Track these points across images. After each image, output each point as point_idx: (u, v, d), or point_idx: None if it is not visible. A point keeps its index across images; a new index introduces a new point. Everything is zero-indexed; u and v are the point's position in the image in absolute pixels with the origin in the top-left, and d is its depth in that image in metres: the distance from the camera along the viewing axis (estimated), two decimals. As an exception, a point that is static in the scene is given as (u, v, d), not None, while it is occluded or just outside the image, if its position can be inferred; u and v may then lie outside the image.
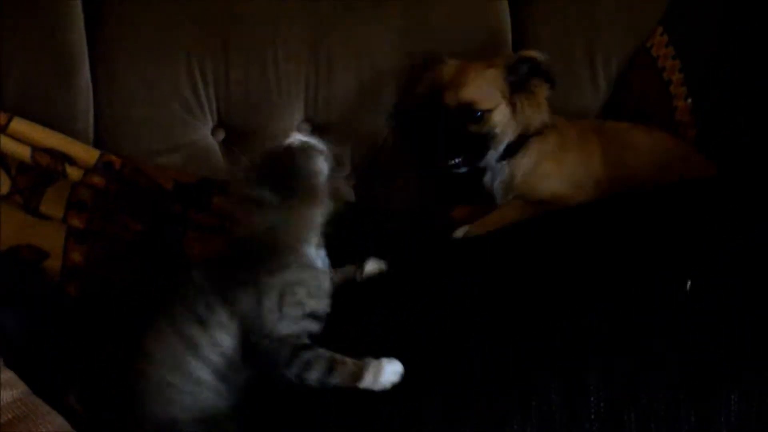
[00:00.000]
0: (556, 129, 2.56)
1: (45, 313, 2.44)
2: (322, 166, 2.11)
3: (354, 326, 2.14)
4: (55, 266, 2.56)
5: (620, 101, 2.79)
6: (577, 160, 2.53)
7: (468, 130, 2.49)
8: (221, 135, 2.73)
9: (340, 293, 2.19)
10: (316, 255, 2.13)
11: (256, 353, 2.00)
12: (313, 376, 1.95)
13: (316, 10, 2.70)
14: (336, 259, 2.22)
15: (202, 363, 2.00)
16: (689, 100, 2.67)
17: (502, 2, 2.76)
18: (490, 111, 2.49)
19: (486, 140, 2.51)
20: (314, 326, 2.05)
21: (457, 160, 2.51)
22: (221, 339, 2.00)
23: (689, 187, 2.31)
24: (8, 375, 2.04)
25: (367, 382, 1.93)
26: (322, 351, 1.98)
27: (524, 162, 2.54)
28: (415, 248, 2.48)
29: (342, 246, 2.34)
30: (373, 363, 1.94)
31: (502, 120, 2.51)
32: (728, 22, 2.67)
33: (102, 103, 2.65)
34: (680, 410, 1.79)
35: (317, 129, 2.73)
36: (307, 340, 2.01)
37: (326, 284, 2.11)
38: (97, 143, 2.64)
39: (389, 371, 1.94)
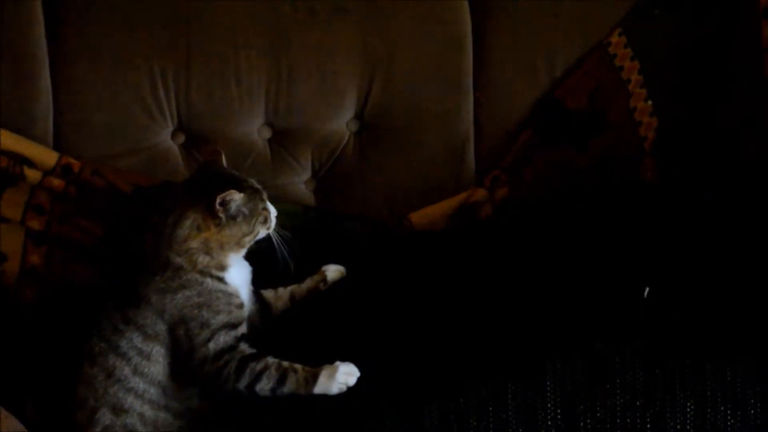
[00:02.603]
0: None
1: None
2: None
3: (311, 334, 2.14)
4: (13, 269, 2.54)
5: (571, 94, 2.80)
6: None
7: None
8: (182, 139, 2.72)
9: (303, 303, 2.20)
10: (229, 277, 2.10)
11: (199, 379, 2.01)
12: (265, 385, 1.95)
13: (278, 16, 2.69)
14: (295, 265, 2.22)
15: (132, 396, 2.01)
16: (650, 102, 2.68)
17: (463, 10, 2.76)
18: None
19: None
20: (240, 330, 2.05)
21: None
22: (144, 367, 2.01)
23: (648, 191, 2.33)
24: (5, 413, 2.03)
25: (321, 386, 1.94)
26: (271, 360, 1.97)
27: None
28: (372, 253, 2.48)
29: (301, 251, 2.35)
30: (326, 367, 1.95)
31: None
32: (688, 29, 2.70)
33: (62, 106, 2.63)
34: (636, 417, 1.80)
35: (278, 133, 2.73)
36: (249, 349, 2.01)
37: (232, 299, 2.08)
38: (56, 146, 2.62)
39: (343, 373, 1.94)
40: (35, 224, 2.55)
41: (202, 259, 2.04)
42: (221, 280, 2.07)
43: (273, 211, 2.13)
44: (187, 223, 2.03)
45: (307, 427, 1.92)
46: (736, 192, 2.25)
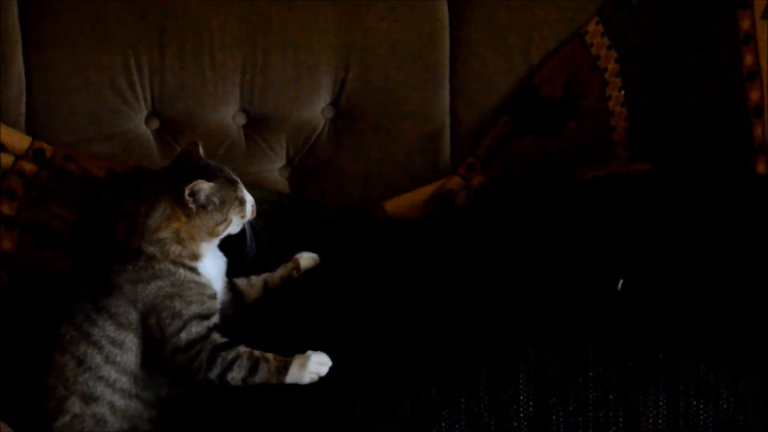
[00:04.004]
0: None
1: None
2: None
3: (284, 323, 2.13)
4: (-16, 254, 2.53)
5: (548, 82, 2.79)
6: None
7: None
8: (155, 124, 2.70)
9: (277, 292, 2.19)
10: (206, 267, 2.11)
11: (171, 366, 2.00)
12: (237, 375, 1.95)
13: (254, 2, 2.68)
14: (269, 253, 2.21)
15: (103, 385, 2.00)
16: (622, 92, 2.69)
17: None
18: None
19: None
20: (213, 320, 2.04)
21: None
22: (116, 356, 2.00)
23: (622, 182, 2.33)
24: None
25: (293, 375, 1.93)
26: (242, 349, 1.97)
27: None
28: (347, 241, 2.48)
29: (275, 239, 2.34)
30: (298, 356, 1.95)
31: None
32: (666, 19, 2.70)
33: (35, 91, 2.61)
34: (609, 410, 1.80)
35: (253, 120, 2.72)
36: (221, 339, 2.01)
37: (204, 289, 2.08)
38: (29, 131, 2.60)
39: (315, 362, 1.94)
40: (6, 209, 2.54)
41: (174, 249, 2.05)
42: (194, 270, 2.07)
43: (250, 200, 2.12)
44: (158, 213, 2.03)
45: (278, 417, 1.91)
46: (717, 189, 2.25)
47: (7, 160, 2.54)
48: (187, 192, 2.01)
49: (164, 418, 2.05)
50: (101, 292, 2.03)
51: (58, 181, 2.56)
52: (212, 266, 2.11)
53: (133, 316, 2.00)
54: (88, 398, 2.00)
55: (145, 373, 2.02)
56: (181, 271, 2.05)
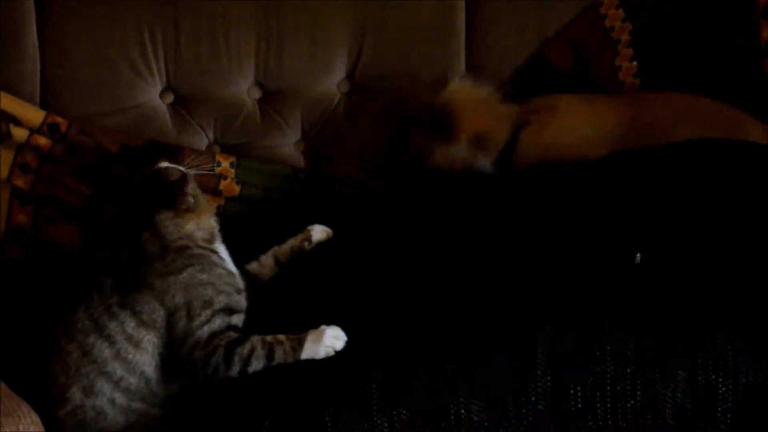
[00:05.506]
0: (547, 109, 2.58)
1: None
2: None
3: (297, 299, 2.13)
4: (-1, 228, 2.53)
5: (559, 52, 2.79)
6: (586, 130, 2.55)
7: None
8: (170, 98, 2.69)
9: (289, 266, 2.19)
10: (223, 252, 2.13)
11: (187, 367, 1.98)
12: (256, 366, 1.94)
13: (269, -24, 2.68)
14: (283, 227, 2.21)
15: (104, 380, 1.98)
16: (635, 63, 2.68)
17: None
18: None
19: None
20: (235, 319, 2.03)
21: None
22: (129, 354, 1.98)
23: (637, 156, 2.32)
24: None
25: (308, 351, 1.93)
26: (255, 339, 1.95)
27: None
28: (361, 215, 2.47)
29: (289, 211, 2.34)
30: (311, 331, 1.94)
31: None
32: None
33: (49, 65, 2.60)
34: (627, 385, 1.80)
35: (268, 94, 2.71)
36: (235, 334, 1.99)
37: (234, 280, 2.09)
38: (43, 105, 2.59)
39: (330, 336, 1.94)
40: (21, 183, 2.54)
41: (199, 234, 2.09)
42: (216, 252, 2.10)
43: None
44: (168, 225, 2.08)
45: (294, 393, 1.90)
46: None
47: (21, 134, 2.54)
48: (189, 196, 2.07)
49: (170, 414, 2.03)
50: (129, 289, 2.01)
51: (72, 155, 2.56)
52: (224, 251, 2.14)
53: (158, 314, 1.98)
54: (88, 391, 1.97)
55: (158, 376, 2.00)
56: (209, 254, 2.07)
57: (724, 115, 2.51)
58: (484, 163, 2.52)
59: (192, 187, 2.09)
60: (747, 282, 1.90)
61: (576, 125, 2.53)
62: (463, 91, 2.58)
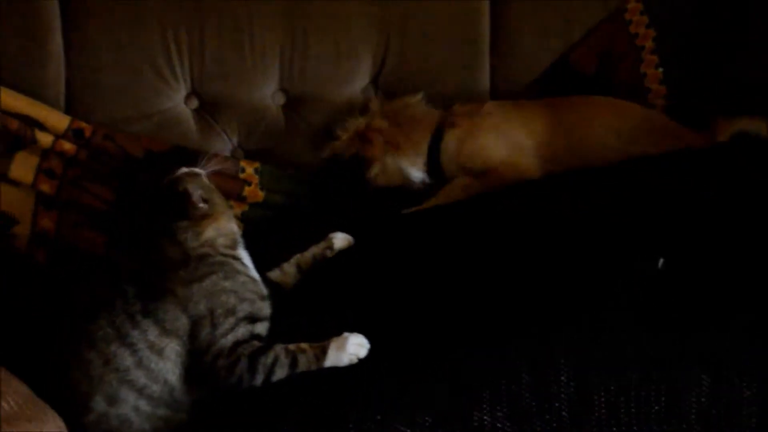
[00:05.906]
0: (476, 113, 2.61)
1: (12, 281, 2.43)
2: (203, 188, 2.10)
3: (318, 306, 2.13)
4: (24, 232, 2.54)
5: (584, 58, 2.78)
6: (512, 131, 2.58)
7: None
8: (195, 103, 2.70)
9: (310, 274, 2.18)
10: (246, 259, 2.12)
11: (210, 376, 1.96)
12: (280, 375, 1.92)
13: (293, -19, 2.68)
14: (304, 234, 2.20)
15: (127, 388, 1.96)
16: (660, 70, 2.67)
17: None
18: None
19: None
20: (259, 328, 2.01)
21: None
22: (152, 362, 1.97)
23: (661, 161, 2.31)
24: (7, 376, 1.98)
25: (331, 359, 1.92)
26: (278, 348, 1.94)
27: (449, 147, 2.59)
28: (382, 223, 2.47)
29: (311, 217, 2.33)
30: (334, 339, 1.93)
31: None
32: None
33: (74, 70, 2.62)
34: (651, 390, 1.78)
35: (292, 99, 2.71)
36: (258, 343, 1.97)
37: (257, 287, 2.07)
38: (68, 110, 2.61)
39: (353, 343, 1.92)
40: (46, 188, 2.55)
41: (221, 241, 2.07)
42: (239, 259, 2.08)
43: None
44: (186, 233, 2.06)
45: (314, 401, 1.89)
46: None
47: (47, 139, 2.54)
48: (199, 201, 2.06)
49: (195, 419, 2.01)
50: (152, 297, 1.99)
51: (97, 161, 2.57)
52: (247, 257, 2.13)
53: (181, 322, 1.96)
54: (112, 399, 1.95)
55: (181, 385, 1.98)
56: (232, 261, 2.06)
57: (648, 119, 2.58)
58: (414, 170, 2.56)
59: (202, 194, 2.07)
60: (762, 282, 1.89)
61: (503, 127, 2.57)
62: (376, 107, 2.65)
